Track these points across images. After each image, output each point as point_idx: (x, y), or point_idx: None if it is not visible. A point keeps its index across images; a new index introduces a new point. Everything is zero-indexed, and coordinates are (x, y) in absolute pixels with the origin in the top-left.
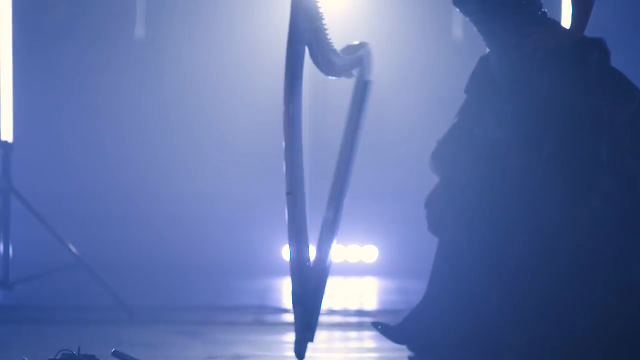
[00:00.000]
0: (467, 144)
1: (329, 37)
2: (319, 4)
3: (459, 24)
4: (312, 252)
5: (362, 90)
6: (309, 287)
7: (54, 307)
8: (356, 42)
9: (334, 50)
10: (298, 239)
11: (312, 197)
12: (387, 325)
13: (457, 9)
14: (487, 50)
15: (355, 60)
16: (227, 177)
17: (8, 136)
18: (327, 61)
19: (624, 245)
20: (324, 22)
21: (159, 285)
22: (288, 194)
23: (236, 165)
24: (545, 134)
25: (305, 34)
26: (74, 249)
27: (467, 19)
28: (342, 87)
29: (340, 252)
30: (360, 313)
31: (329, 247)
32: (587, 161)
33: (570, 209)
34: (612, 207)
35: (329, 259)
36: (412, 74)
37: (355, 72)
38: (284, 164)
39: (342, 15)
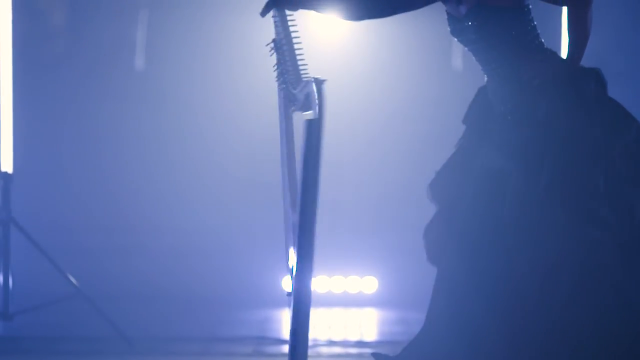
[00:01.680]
0: (466, 173)
1: (301, 66)
2: (291, 24)
3: (458, 55)
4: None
5: (307, 128)
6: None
7: (54, 338)
8: (307, 78)
9: (297, 82)
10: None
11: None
12: (387, 357)
13: (456, 39)
14: (486, 79)
15: (304, 96)
16: (226, 208)
17: (8, 167)
18: (290, 94)
19: (624, 275)
20: (295, 46)
21: (159, 316)
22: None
23: (236, 196)
24: (543, 164)
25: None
26: (73, 280)
27: (466, 48)
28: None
29: (340, 283)
30: (360, 344)
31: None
32: (586, 191)
33: (569, 239)
34: (611, 237)
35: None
36: (412, 104)
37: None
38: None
39: (340, 47)
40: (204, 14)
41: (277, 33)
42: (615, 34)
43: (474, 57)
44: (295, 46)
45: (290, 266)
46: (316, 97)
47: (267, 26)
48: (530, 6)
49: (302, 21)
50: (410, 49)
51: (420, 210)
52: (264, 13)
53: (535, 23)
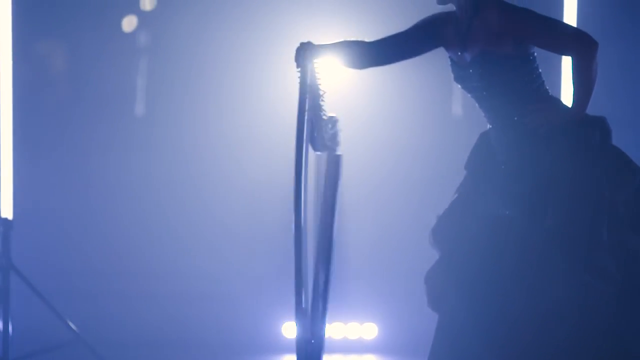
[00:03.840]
0: (467, 219)
1: (324, 112)
2: (319, 80)
3: (458, 102)
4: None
5: (334, 164)
6: None
7: None
8: (328, 115)
9: (325, 126)
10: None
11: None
12: None
13: (459, 86)
14: (488, 126)
15: (332, 136)
16: (225, 253)
17: (8, 213)
18: (319, 137)
19: (623, 324)
20: (322, 98)
21: None
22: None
23: (235, 242)
24: (546, 212)
25: (309, 112)
26: (73, 326)
27: (469, 95)
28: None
29: (340, 329)
30: None
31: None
32: (587, 239)
33: (569, 287)
34: (611, 285)
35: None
36: (412, 150)
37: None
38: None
39: (341, 93)
40: (204, 60)
41: (306, 79)
42: (621, 82)
43: (476, 104)
44: (320, 92)
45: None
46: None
47: (270, 71)
48: (535, 54)
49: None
50: (411, 95)
51: (421, 255)
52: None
53: (540, 71)
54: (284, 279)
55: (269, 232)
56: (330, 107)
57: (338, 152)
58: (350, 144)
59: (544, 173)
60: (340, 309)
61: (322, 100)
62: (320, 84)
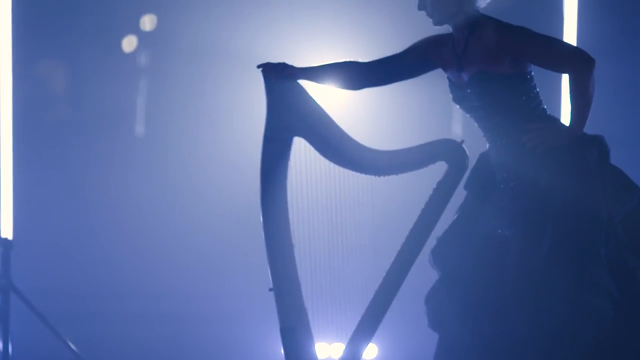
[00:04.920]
0: (467, 240)
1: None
2: (314, 97)
3: (458, 122)
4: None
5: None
6: None
7: None
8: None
9: (360, 146)
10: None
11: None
12: None
13: (458, 106)
14: (487, 146)
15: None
16: (224, 273)
17: (8, 233)
18: (347, 156)
19: (624, 342)
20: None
21: None
22: (271, 290)
23: (235, 262)
24: (544, 231)
25: (284, 131)
26: (73, 347)
27: (468, 115)
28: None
29: (340, 350)
30: None
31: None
32: (586, 258)
33: (569, 306)
34: (610, 303)
35: None
36: (410, 172)
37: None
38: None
39: (339, 115)
40: (203, 80)
41: None
42: (619, 101)
43: (475, 124)
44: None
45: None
46: None
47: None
48: (533, 73)
49: None
50: (410, 115)
51: (421, 276)
52: (267, 84)
53: (537, 90)
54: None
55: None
56: None
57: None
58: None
59: (541, 192)
60: (340, 329)
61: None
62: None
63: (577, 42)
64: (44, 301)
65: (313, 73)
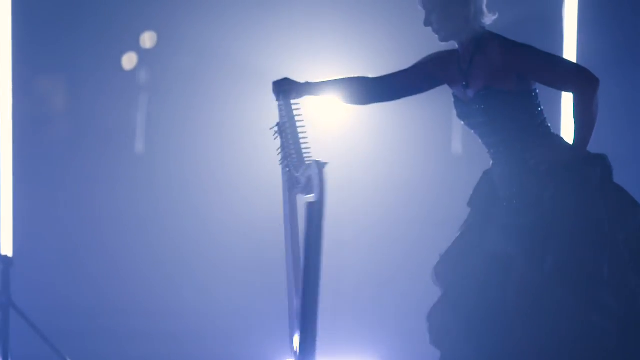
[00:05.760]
0: (470, 257)
1: (304, 150)
2: (295, 109)
3: (458, 139)
4: None
5: (308, 211)
6: None
7: None
8: (309, 161)
9: (300, 165)
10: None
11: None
12: None
13: (461, 123)
14: (491, 163)
15: (306, 179)
16: (223, 291)
17: (8, 250)
18: (293, 177)
19: None
20: (299, 130)
21: None
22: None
23: (231, 280)
24: (547, 249)
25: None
26: None
27: (472, 132)
28: None
29: None
30: None
31: None
32: (588, 276)
33: (572, 325)
34: (614, 324)
35: None
36: (412, 188)
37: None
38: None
39: (341, 132)
40: (204, 96)
41: (280, 117)
42: (622, 119)
43: (479, 140)
44: (299, 130)
45: (295, 349)
46: (317, 180)
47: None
48: (537, 91)
49: (304, 106)
50: (410, 133)
51: (423, 293)
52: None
53: (542, 108)
54: (278, 316)
55: (264, 270)
56: (328, 145)
57: (313, 199)
58: (352, 181)
59: (544, 210)
60: (342, 345)
61: (302, 139)
62: (299, 125)
63: (577, 59)
64: (43, 319)
65: (320, 88)
